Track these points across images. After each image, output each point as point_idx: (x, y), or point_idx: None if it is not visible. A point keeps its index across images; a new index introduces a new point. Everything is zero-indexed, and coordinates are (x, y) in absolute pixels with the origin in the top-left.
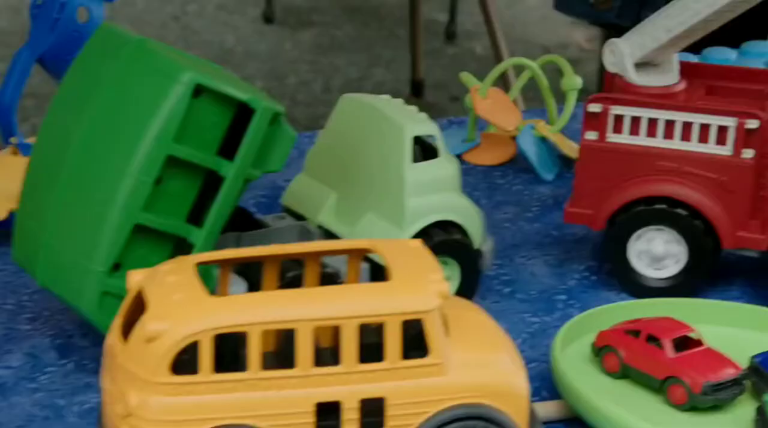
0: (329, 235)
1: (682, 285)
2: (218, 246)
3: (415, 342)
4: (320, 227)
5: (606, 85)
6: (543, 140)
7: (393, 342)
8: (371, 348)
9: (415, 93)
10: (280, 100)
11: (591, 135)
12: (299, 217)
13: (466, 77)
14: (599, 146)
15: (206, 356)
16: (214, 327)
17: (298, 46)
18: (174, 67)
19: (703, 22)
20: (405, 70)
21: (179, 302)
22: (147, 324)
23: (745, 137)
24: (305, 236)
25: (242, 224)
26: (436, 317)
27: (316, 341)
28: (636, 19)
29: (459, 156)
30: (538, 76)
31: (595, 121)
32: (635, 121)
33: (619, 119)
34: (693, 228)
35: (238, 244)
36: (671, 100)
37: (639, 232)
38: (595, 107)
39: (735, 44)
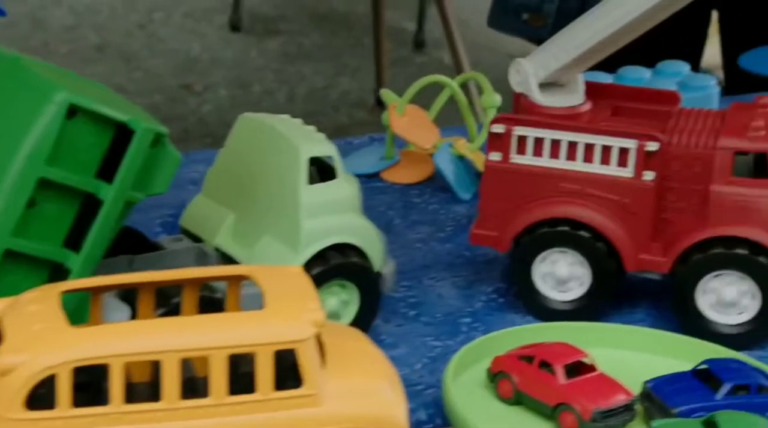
0: (226, 257)
1: (587, 308)
2: (109, 270)
3: (291, 371)
4: (217, 249)
5: (514, 105)
6: (461, 158)
7: (265, 372)
8: (247, 378)
9: (380, 102)
10: (243, 109)
11: (495, 156)
12: (197, 239)
13: (386, 94)
14: (503, 167)
15: (64, 390)
16: (73, 359)
17: (264, 54)
18: (48, 86)
19: (602, 43)
20: (371, 79)
21: (38, 333)
22: (1, 357)
23: (646, 159)
24: (202, 258)
25: (135, 246)
26: (311, 346)
27: (194, 370)
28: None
29: (377, 174)
30: (456, 93)
31: (499, 142)
32: (538, 142)
33: (522, 139)
34: (596, 250)
35: (130, 268)
36: (574, 121)
37: (543, 254)
38: (498, 128)
39: (652, 63)
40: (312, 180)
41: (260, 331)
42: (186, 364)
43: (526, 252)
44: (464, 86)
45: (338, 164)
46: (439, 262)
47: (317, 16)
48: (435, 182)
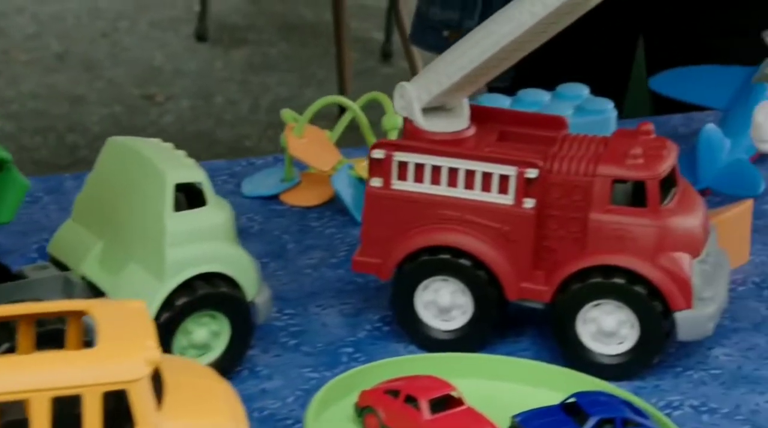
0: (92, 286)
1: (470, 337)
2: None
3: (126, 412)
4: (84, 278)
5: (403, 129)
6: (361, 180)
7: (92, 416)
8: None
9: (343, 113)
10: (205, 120)
11: (376, 182)
12: (65, 267)
13: (286, 114)
14: (384, 193)
15: None
16: None
17: (230, 64)
18: None
19: (482, 68)
20: (336, 89)
21: None
22: None
23: (526, 187)
24: (68, 287)
25: None
26: (144, 386)
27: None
28: None
29: (276, 196)
30: (357, 115)
31: (380, 167)
32: (419, 168)
33: (403, 165)
34: (476, 279)
35: None
36: (457, 146)
37: (425, 282)
38: (378, 154)
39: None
40: (179, 207)
41: (87, 371)
42: (17, 406)
43: (408, 280)
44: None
45: (208, 190)
46: (328, 288)
47: (287, 26)
48: (336, 204)
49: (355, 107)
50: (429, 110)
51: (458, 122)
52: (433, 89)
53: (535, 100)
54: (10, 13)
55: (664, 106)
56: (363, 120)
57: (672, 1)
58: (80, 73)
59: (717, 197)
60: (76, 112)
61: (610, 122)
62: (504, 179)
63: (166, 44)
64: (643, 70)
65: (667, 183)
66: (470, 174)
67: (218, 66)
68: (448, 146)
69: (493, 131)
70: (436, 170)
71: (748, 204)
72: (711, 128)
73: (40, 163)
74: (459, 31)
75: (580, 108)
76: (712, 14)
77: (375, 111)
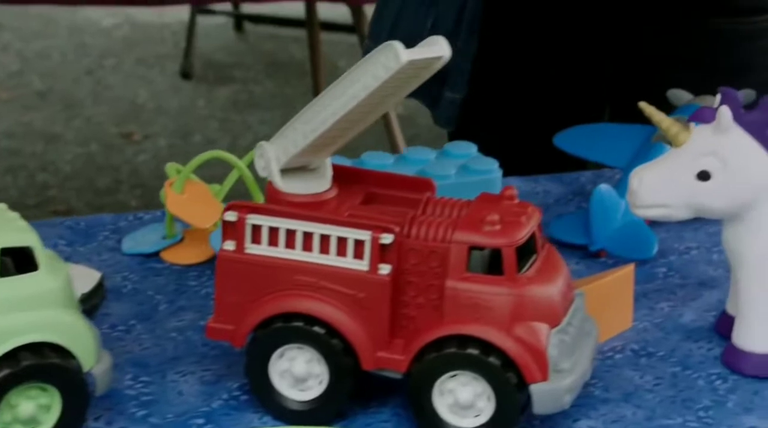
0: None
1: (326, 408)
2: None
3: None
4: None
5: (266, 190)
6: None
7: None
8: None
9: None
10: (180, 158)
11: (229, 245)
12: None
13: (171, 168)
14: (237, 257)
15: None
16: None
17: (213, 102)
18: None
19: (336, 130)
20: None
21: None
22: None
23: (381, 252)
24: None
25: None
26: None
27: None
28: (437, 95)
29: (157, 253)
30: (241, 169)
31: (233, 230)
32: (273, 231)
33: (257, 228)
34: (331, 347)
35: None
36: (314, 209)
37: (280, 350)
38: (230, 216)
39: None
40: (6, 272)
41: None
42: None
43: (262, 348)
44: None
45: (40, 254)
46: (191, 353)
47: (274, 64)
48: None
49: (239, 164)
50: (292, 171)
51: (319, 184)
52: (290, 149)
53: (380, 162)
54: None
55: None
56: (249, 177)
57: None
58: (59, 112)
59: (611, 259)
60: (50, 150)
61: (495, 182)
62: (359, 244)
63: (150, 82)
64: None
65: (527, 250)
66: (325, 239)
67: (201, 104)
68: (305, 208)
69: (359, 193)
70: (290, 233)
71: (629, 268)
72: (604, 188)
73: (6, 202)
74: None
75: (466, 167)
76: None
77: None
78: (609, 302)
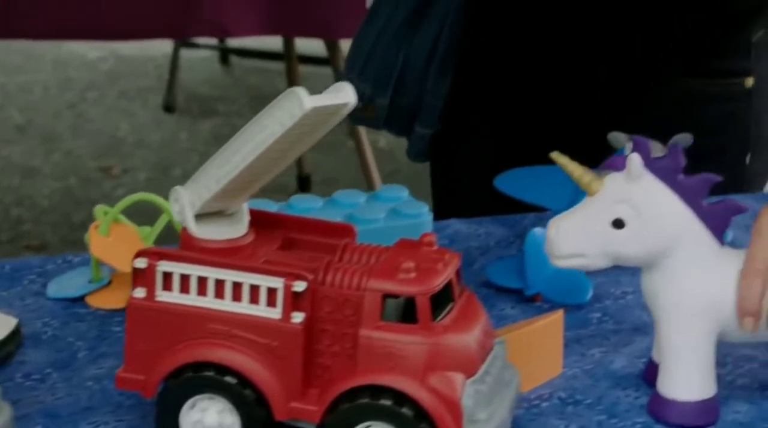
0: None
1: None
2: None
3: None
4: None
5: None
6: None
7: None
8: None
9: (302, 188)
10: (158, 193)
11: (139, 292)
12: None
13: (99, 211)
14: (147, 305)
15: None
16: None
17: (195, 136)
18: None
19: (247, 175)
20: (295, 162)
21: None
22: None
23: (294, 300)
24: None
25: None
26: None
27: None
28: (408, 129)
29: (83, 298)
30: (170, 214)
31: (143, 277)
32: (185, 278)
33: (168, 275)
34: (244, 398)
35: None
36: (228, 255)
37: (191, 400)
38: (140, 263)
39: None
40: None
41: None
42: None
43: (173, 398)
44: None
45: None
46: (107, 403)
47: (258, 97)
48: None
49: (167, 207)
50: (208, 216)
51: (235, 229)
52: (203, 194)
53: (308, 206)
54: None
55: None
56: (177, 223)
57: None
58: (38, 145)
59: (547, 304)
60: (27, 185)
61: (425, 226)
62: (272, 291)
63: (132, 115)
64: None
65: (443, 298)
66: (238, 286)
67: (183, 137)
68: (219, 255)
69: (277, 238)
70: (202, 280)
71: (558, 314)
72: (539, 231)
73: None
74: (371, 105)
75: (395, 211)
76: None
77: None
78: (537, 348)
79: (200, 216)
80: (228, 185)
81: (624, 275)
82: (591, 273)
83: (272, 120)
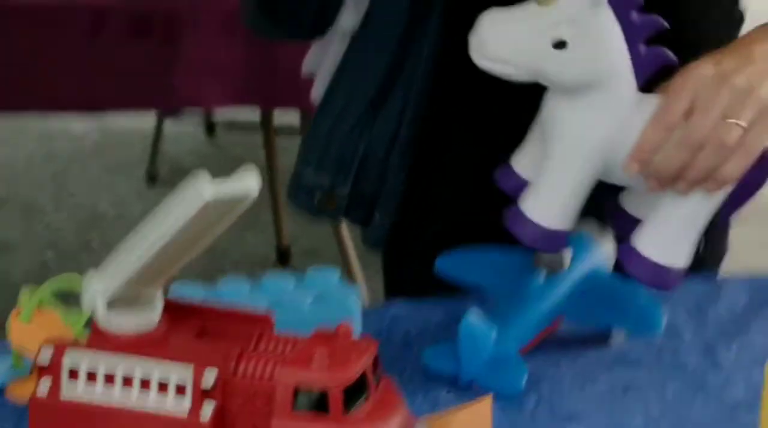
0: None
1: None
2: None
3: None
4: None
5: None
6: None
7: None
8: None
9: (282, 260)
10: None
11: (43, 388)
12: None
13: (24, 295)
14: (50, 403)
15: None
16: None
17: None
18: None
19: (156, 261)
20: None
21: None
22: None
23: (203, 394)
24: None
25: None
26: None
27: None
28: (368, 218)
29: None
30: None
31: (47, 371)
32: (91, 373)
33: (74, 370)
34: None
35: None
36: (136, 347)
37: None
38: (44, 356)
39: None
40: None
41: None
42: None
43: None
44: None
45: None
46: None
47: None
48: None
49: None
50: (120, 304)
51: (147, 319)
52: (114, 282)
53: (235, 289)
54: None
55: None
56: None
57: None
58: (17, 220)
59: (483, 389)
60: (2, 260)
61: (352, 311)
62: (180, 383)
63: (114, 188)
64: None
65: (357, 388)
66: (145, 380)
67: None
68: (127, 346)
69: (192, 328)
70: (109, 375)
71: (486, 400)
72: (474, 317)
73: None
74: (332, 195)
75: (322, 296)
76: None
77: None
78: None
79: (112, 304)
80: (138, 273)
81: (565, 359)
82: (527, 356)
83: (176, 209)
